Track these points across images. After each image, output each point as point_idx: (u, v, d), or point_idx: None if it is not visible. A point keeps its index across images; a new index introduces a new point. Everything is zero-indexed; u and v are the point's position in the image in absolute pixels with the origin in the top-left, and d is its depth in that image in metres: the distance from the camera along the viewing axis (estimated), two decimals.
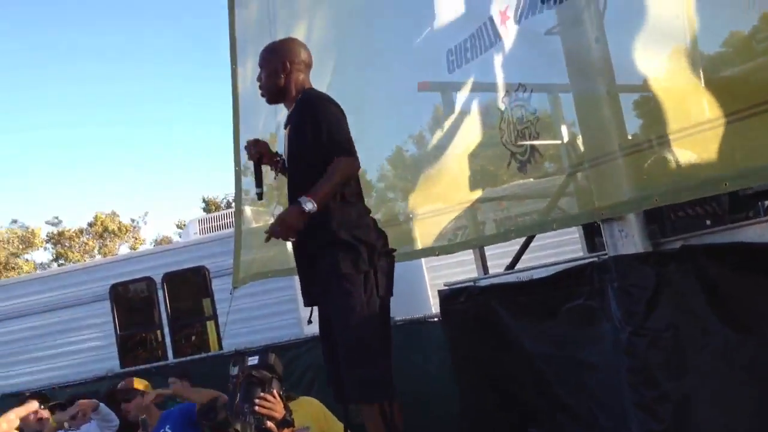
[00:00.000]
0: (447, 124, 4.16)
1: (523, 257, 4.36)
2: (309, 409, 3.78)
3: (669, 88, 2.73)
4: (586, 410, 2.97)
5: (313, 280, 3.34)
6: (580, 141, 3.19)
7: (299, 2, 5.36)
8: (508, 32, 3.52)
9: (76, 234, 34.45)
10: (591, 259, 3.15)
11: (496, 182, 3.83)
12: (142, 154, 53.19)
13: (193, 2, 53.76)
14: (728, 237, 2.60)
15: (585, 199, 3.20)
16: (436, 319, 4.83)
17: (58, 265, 31.07)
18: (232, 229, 10.55)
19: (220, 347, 9.95)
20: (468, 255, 5.36)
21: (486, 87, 3.77)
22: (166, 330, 11.05)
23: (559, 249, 6.93)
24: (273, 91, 3.53)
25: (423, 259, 9.17)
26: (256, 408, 2.93)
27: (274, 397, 2.96)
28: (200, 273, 10.92)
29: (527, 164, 3.40)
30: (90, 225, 34.56)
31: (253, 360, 3.16)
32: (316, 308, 3.44)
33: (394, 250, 3.39)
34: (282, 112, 4.05)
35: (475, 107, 3.93)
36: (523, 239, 4.40)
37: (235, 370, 3.15)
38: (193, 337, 11.47)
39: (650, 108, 2.79)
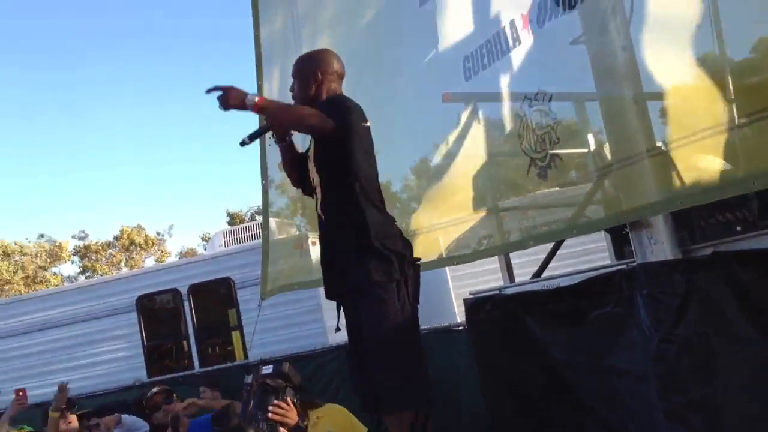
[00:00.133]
0: (467, 132, 4.16)
1: (550, 266, 4.34)
2: (335, 415, 3.77)
3: (694, 91, 2.72)
4: (615, 418, 2.94)
5: (335, 280, 3.35)
6: (603, 146, 3.18)
7: (321, 19, 5.42)
8: (529, 36, 3.52)
9: (102, 247, 34.79)
10: (619, 267, 3.13)
11: (518, 189, 3.82)
12: (167, 169, 53.69)
13: (217, 19, 54.27)
14: (759, 243, 2.57)
15: (609, 204, 3.19)
16: (461, 328, 4.80)
17: (86, 278, 31.41)
18: (256, 241, 10.64)
19: (246, 357, 9.99)
20: (493, 264, 5.35)
21: (505, 93, 3.77)
22: (192, 340, 11.14)
23: (586, 257, 6.89)
24: (305, 101, 3.52)
25: (447, 269, 9.17)
26: (269, 415, 2.95)
27: (288, 404, 2.99)
28: (226, 284, 11.00)
29: (547, 170, 3.39)
30: (116, 238, 34.90)
31: (267, 369, 3.19)
32: (342, 316, 3.44)
33: (419, 260, 3.38)
34: None
35: (494, 114, 3.94)
36: (548, 248, 4.39)
37: (249, 379, 3.19)
38: (219, 348, 11.54)
39: (674, 111, 2.78)
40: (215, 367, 7.62)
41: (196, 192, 55.02)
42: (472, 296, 4.00)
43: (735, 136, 2.52)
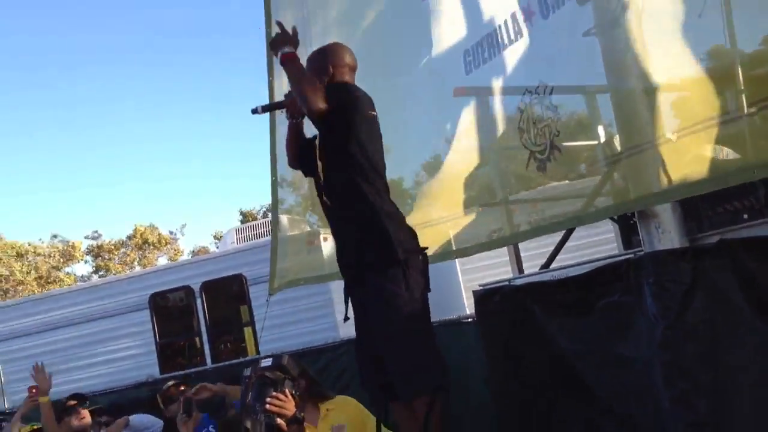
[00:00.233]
0: (473, 126, 4.18)
1: (559, 257, 4.35)
2: (346, 408, 3.79)
3: (703, 82, 2.72)
4: (622, 406, 2.95)
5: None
6: (612, 137, 3.19)
7: (329, 18, 5.44)
8: (530, 29, 3.53)
9: (115, 246, 34.96)
10: (627, 256, 3.13)
11: (519, 182, 3.83)
12: (178, 168, 53.87)
13: (226, 20, 54.38)
14: (766, 230, 2.57)
15: (617, 193, 3.20)
16: (470, 320, 4.82)
17: (99, 277, 31.58)
18: (268, 238, 10.68)
19: (258, 353, 10.04)
20: (502, 257, 5.36)
21: (506, 87, 3.79)
22: (205, 337, 11.20)
23: (594, 249, 6.88)
24: None
25: (457, 262, 9.18)
26: (267, 406, 2.97)
27: (286, 396, 3.01)
28: (238, 281, 11.05)
29: (546, 162, 3.40)
30: (129, 237, 35.06)
31: (266, 362, 3.22)
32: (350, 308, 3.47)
33: (426, 249, 3.41)
34: None
35: (497, 108, 3.95)
36: (556, 240, 4.40)
37: (248, 371, 3.22)
38: (231, 344, 11.59)
39: (682, 101, 2.79)
40: (227, 363, 7.67)
41: (208, 191, 55.22)
42: (481, 287, 4.02)
43: (742, 126, 2.52)
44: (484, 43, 3.83)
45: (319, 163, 3.47)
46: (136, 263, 34.43)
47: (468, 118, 4.21)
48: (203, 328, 11.22)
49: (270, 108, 3.56)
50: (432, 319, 3.48)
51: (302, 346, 6.73)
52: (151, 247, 34.90)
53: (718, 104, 2.69)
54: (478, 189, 4.39)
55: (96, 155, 51.46)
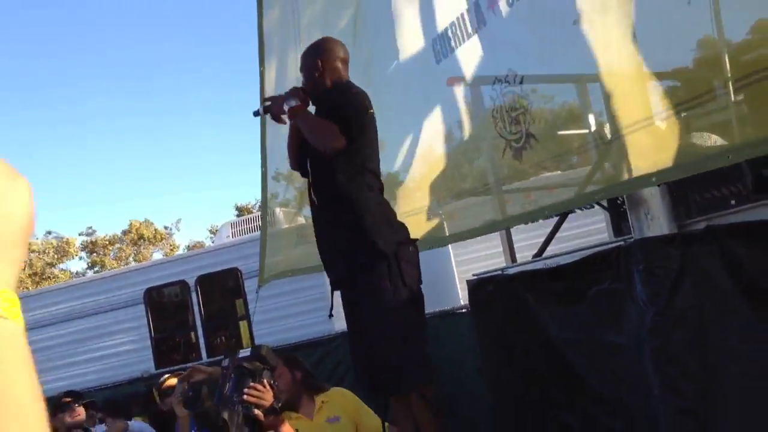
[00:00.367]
0: (441, 117, 4.20)
1: (551, 246, 4.37)
2: (341, 399, 3.81)
3: (683, 70, 2.74)
4: (613, 393, 2.97)
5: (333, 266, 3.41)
6: (587, 126, 3.21)
7: (316, 10, 5.46)
8: (494, 16, 3.53)
9: (110, 241, 34.88)
10: (617, 244, 3.16)
11: (496, 171, 3.84)
12: (173, 163, 53.77)
13: (220, 11, 54.21)
14: (753, 216, 2.59)
15: (604, 178, 3.22)
16: (464, 311, 4.84)
17: (94, 273, 31.53)
18: None
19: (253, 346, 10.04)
20: (496, 248, 5.39)
21: (477, 75, 3.79)
22: (200, 331, 11.21)
23: (586, 238, 6.91)
24: (313, 92, 3.56)
25: (451, 253, 9.21)
26: (245, 397, 2.97)
27: (264, 386, 3.01)
28: (233, 274, 11.06)
29: (522, 151, 3.42)
30: (124, 233, 34.99)
31: (245, 352, 3.21)
32: (336, 304, 3.51)
33: (416, 240, 3.43)
34: None
35: (467, 97, 3.96)
36: (548, 229, 4.42)
37: (226, 362, 3.21)
38: (227, 338, 11.60)
39: (666, 87, 2.81)
40: (221, 357, 7.67)
41: (203, 186, 55.15)
42: (475, 277, 4.04)
43: (726, 108, 2.54)
44: (449, 32, 3.83)
45: (309, 161, 3.49)
46: (131, 259, 34.37)
47: (443, 107, 4.22)
48: (198, 323, 11.22)
49: (266, 105, 3.59)
50: (426, 310, 3.50)
51: (297, 339, 6.75)
52: (147, 242, 34.84)
53: (701, 90, 2.71)
54: (469, 179, 4.41)
55: (89, 151, 51.33)
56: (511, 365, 3.66)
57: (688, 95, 2.78)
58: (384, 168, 3.67)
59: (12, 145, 47.40)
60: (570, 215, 4.59)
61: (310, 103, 3.61)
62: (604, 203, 4.20)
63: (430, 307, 4.87)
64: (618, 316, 2.93)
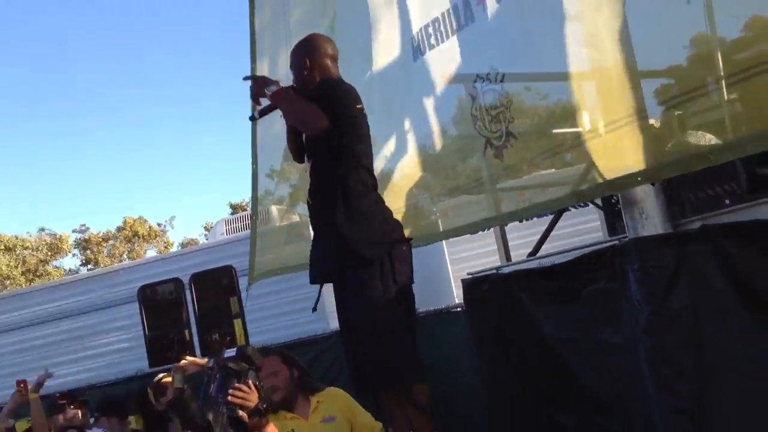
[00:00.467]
0: (421, 115, 4.19)
1: (546, 245, 4.38)
2: (336, 399, 3.81)
3: (682, 66, 2.75)
4: (608, 392, 2.98)
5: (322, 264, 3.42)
6: (562, 122, 3.21)
7: (305, 7, 5.45)
8: (482, 13, 3.51)
9: (103, 238, 34.80)
10: (612, 243, 3.16)
11: (477, 170, 3.84)
12: (166, 160, 53.66)
13: (214, 10, 54.10)
14: (747, 215, 2.60)
15: (594, 176, 3.22)
16: (459, 309, 4.85)
17: (88, 270, 31.45)
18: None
19: (248, 344, 10.01)
20: (491, 246, 5.39)
21: (459, 75, 3.78)
22: (194, 329, 11.18)
23: (580, 237, 6.92)
24: (302, 89, 3.55)
25: (446, 251, 9.21)
26: (229, 398, 2.95)
27: (249, 387, 2.99)
28: (227, 272, 11.03)
29: (503, 149, 3.42)
30: (119, 230, 34.90)
31: (230, 352, 3.19)
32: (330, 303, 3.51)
33: (410, 239, 3.43)
34: None
35: (447, 94, 3.94)
36: (543, 228, 4.43)
37: (211, 362, 3.18)
38: (221, 336, 11.57)
39: (660, 84, 2.82)
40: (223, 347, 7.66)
41: (197, 183, 55.06)
42: (469, 276, 4.04)
43: (720, 105, 2.55)
44: (431, 29, 3.81)
45: (307, 161, 3.49)
46: (125, 256, 34.29)
47: (422, 105, 4.20)
48: (192, 321, 11.20)
49: (266, 112, 3.57)
50: (421, 309, 3.50)
51: (292, 337, 6.74)
52: (141, 239, 34.76)
53: (694, 85, 2.72)
54: (463, 177, 4.40)
55: (83, 147, 51.18)
56: (507, 364, 3.66)
57: (678, 92, 2.79)
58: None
59: (6, 143, 47.31)
60: (565, 213, 4.60)
61: None
62: (599, 202, 4.20)
63: (424, 305, 4.87)
64: (613, 316, 2.94)
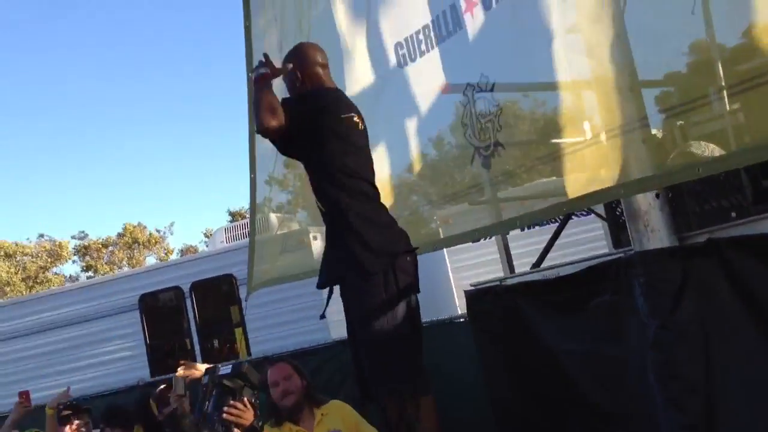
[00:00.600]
0: (408, 123, 4.17)
1: (549, 256, 4.36)
2: (340, 412, 3.79)
3: (682, 75, 2.75)
4: (615, 405, 2.97)
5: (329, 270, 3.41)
6: (550, 132, 3.20)
7: (294, 20, 5.44)
8: (473, 21, 3.48)
9: (103, 244, 34.75)
10: (617, 255, 3.15)
11: (465, 179, 3.82)
12: (166, 166, 53.63)
13: (211, 14, 54.16)
14: (753, 229, 2.59)
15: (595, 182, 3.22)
16: (462, 320, 4.83)
17: (87, 278, 31.40)
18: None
19: (249, 353, 10.01)
20: (493, 255, 5.38)
21: (450, 82, 3.76)
22: (195, 338, 11.16)
23: (584, 246, 6.92)
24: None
25: (448, 261, 9.20)
26: (224, 416, 2.94)
27: (245, 405, 2.98)
28: (228, 281, 11.02)
29: (491, 159, 3.40)
30: (119, 236, 34.85)
31: (226, 369, 3.18)
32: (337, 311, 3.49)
33: (415, 249, 3.41)
34: None
35: (436, 102, 3.92)
36: (547, 238, 4.42)
37: (205, 379, 3.17)
38: (222, 344, 11.56)
39: (660, 92, 2.82)
40: (218, 365, 7.63)
41: (196, 190, 54.98)
42: (473, 287, 4.03)
43: (722, 114, 2.55)
44: (421, 35, 3.79)
45: (307, 173, 3.48)
46: (124, 262, 34.24)
47: (410, 113, 4.19)
48: (193, 329, 11.18)
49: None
50: (424, 319, 3.48)
51: (294, 346, 6.72)
52: (141, 246, 34.71)
53: (696, 94, 2.72)
54: (464, 186, 4.39)
55: (82, 154, 51.13)
56: (511, 376, 3.65)
57: (680, 101, 2.78)
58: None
59: (5, 148, 47.31)
60: (569, 222, 4.58)
61: None
62: (602, 213, 4.19)
63: (426, 314, 4.85)
64: (618, 329, 2.93)
